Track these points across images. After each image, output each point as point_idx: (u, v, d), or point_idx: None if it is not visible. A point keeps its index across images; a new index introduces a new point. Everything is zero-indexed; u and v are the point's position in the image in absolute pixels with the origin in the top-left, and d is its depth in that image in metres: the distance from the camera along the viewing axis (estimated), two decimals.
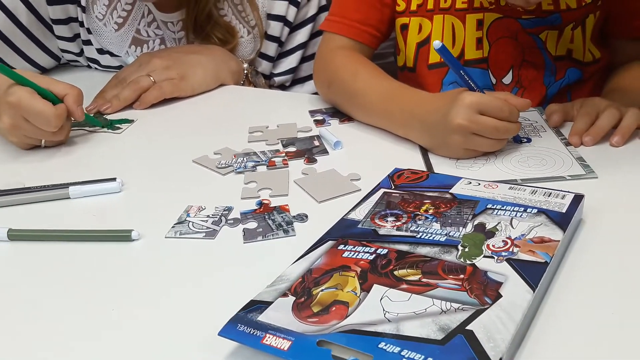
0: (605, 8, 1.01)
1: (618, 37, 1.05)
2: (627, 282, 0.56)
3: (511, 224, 0.61)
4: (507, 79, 1.03)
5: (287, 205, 0.71)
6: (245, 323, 0.49)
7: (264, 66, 1.20)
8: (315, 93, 1.06)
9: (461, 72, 0.82)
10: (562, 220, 0.61)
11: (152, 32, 1.18)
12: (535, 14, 0.98)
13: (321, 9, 1.20)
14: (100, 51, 1.20)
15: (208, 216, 0.69)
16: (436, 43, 0.78)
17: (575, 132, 0.84)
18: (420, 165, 0.78)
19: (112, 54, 1.19)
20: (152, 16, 1.16)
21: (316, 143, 0.87)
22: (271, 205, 0.71)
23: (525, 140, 0.83)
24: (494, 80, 1.04)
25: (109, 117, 1.00)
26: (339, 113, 0.95)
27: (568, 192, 0.66)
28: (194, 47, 1.14)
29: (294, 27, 1.19)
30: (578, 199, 0.65)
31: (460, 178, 0.71)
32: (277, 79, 1.21)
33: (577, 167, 0.75)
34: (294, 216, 0.68)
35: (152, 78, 1.05)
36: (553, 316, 0.53)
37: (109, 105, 1.03)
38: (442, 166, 0.78)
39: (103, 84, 1.07)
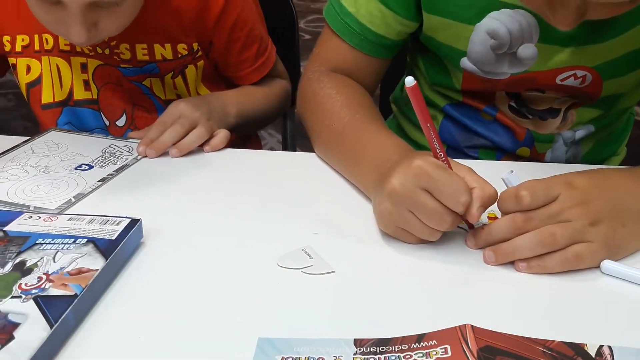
0: (214, 59, 1.05)
1: (234, 81, 1.10)
2: (164, 304, 0.59)
3: (54, 258, 0.59)
4: (121, 122, 1.05)
5: None
6: None
7: None
8: None
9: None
10: (108, 247, 0.61)
11: None
12: (132, 64, 0.99)
13: None
14: None
15: None
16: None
17: (144, 142, 0.87)
18: None
19: None
20: None
21: None
22: None
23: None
24: (107, 122, 1.05)
25: None
26: None
27: (125, 217, 0.66)
28: None
29: None
30: (133, 223, 0.66)
31: (22, 213, 0.68)
32: None
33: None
34: None
35: None
36: (80, 348, 0.53)
37: None
38: None
39: None
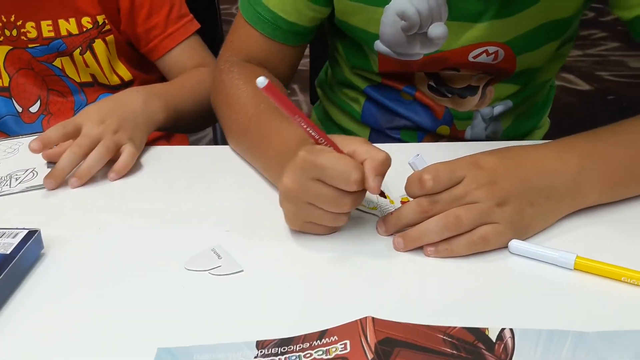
0: (125, 31, 1.02)
1: (151, 58, 1.06)
2: (62, 317, 0.57)
3: None
4: (35, 108, 1.04)
5: None
6: None
7: None
8: None
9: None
10: (3, 262, 0.59)
11: None
12: (39, 42, 0.99)
13: None
14: None
15: None
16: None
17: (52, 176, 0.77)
18: None
19: None
20: None
21: None
22: None
23: None
24: (19, 109, 1.05)
25: None
26: None
27: (22, 229, 0.64)
28: None
29: None
30: (31, 234, 0.63)
31: None
32: None
33: None
34: None
35: None
36: None
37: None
38: None
39: None
